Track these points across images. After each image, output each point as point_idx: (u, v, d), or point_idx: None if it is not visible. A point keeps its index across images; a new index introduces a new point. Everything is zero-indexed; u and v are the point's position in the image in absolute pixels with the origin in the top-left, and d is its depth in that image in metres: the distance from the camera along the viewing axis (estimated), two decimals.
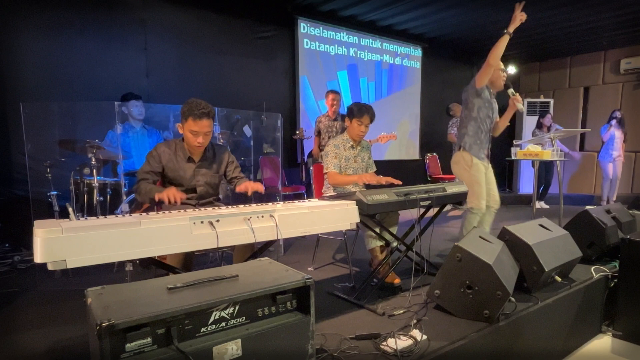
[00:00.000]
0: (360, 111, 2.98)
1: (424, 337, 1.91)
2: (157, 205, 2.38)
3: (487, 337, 1.98)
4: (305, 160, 5.26)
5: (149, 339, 1.18)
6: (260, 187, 2.36)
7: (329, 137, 4.82)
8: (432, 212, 2.86)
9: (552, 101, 8.27)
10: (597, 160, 6.92)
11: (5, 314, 2.48)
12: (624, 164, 6.77)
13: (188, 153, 2.45)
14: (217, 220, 1.75)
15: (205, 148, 2.50)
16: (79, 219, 1.61)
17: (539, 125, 6.62)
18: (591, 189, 8.20)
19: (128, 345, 1.14)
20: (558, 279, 2.55)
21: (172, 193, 2.16)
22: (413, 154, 7.62)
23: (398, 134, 7.24)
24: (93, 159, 3.27)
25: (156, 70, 4.79)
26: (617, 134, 6.52)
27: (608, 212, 3.23)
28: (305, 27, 5.96)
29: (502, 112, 3.35)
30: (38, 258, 1.40)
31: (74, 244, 1.43)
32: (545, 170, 6.64)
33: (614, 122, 6.52)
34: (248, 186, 2.37)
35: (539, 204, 6.82)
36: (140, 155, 3.64)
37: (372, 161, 3.26)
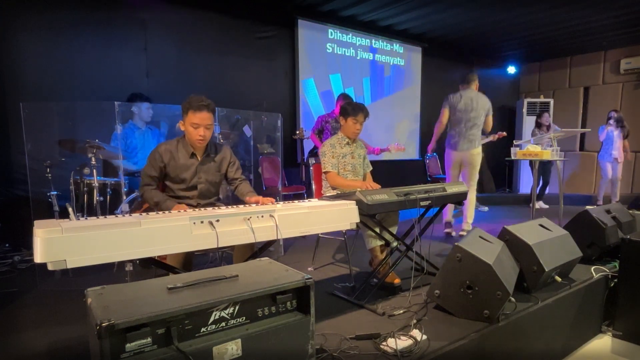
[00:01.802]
0: (355, 110, 3.03)
1: (424, 337, 1.91)
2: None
3: (487, 337, 1.98)
4: (306, 159, 5.24)
5: (149, 339, 1.18)
6: (272, 202, 2.29)
7: None
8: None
9: (552, 101, 8.27)
10: (597, 160, 6.92)
11: (5, 314, 2.48)
12: (625, 164, 6.74)
13: (191, 149, 2.45)
14: (217, 220, 1.75)
15: (207, 146, 2.49)
16: (79, 219, 1.62)
17: (538, 125, 6.62)
18: (591, 189, 8.20)
19: (128, 345, 1.14)
20: (558, 279, 2.55)
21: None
22: (413, 154, 7.62)
23: (398, 134, 7.25)
24: (93, 159, 3.27)
25: (156, 70, 4.79)
26: (615, 133, 6.52)
27: (608, 212, 3.23)
28: (305, 27, 5.96)
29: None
30: (38, 258, 1.40)
31: (74, 244, 1.43)
32: (542, 170, 6.63)
33: (611, 121, 6.52)
34: (259, 200, 2.30)
35: (538, 204, 6.81)
36: (146, 155, 3.67)
37: (367, 161, 3.29)
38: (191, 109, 2.32)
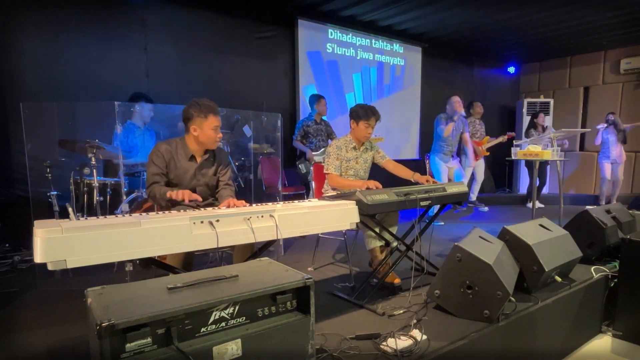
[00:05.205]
0: (367, 113, 2.98)
1: (424, 337, 1.91)
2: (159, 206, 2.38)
3: (487, 337, 1.98)
4: (297, 164, 5.20)
5: (149, 339, 1.18)
6: (243, 205, 2.24)
7: (320, 141, 4.95)
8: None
9: (552, 101, 8.27)
10: (597, 161, 6.93)
11: (5, 314, 2.48)
12: (623, 164, 6.72)
13: (190, 152, 2.45)
14: (217, 220, 1.75)
15: (206, 149, 2.50)
16: (79, 219, 1.61)
17: (534, 125, 6.60)
18: (591, 189, 8.20)
19: (128, 345, 1.14)
20: (558, 279, 2.55)
21: (183, 192, 2.16)
22: (413, 154, 7.62)
23: (398, 134, 7.25)
24: (93, 159, 3.27)
25: (156, 70, 4.79)
26: (611, 137, 6.51)
27: (608, 212, 3.23)
28: (305, 27, 5.96)
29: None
30: (38, 258, 1.40)
31: (74, 244, 1.43)
32: (539, 170, 6.63)
33: (602, 126, 6.55)
34: (230, 203, 2.22)
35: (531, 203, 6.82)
36: (146, 156, 3.68)
37: (382, 153, 3.20)
38: (213, 113, 2.38)
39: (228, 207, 2.21)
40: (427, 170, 7.09)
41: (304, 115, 6.02)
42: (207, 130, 2.39)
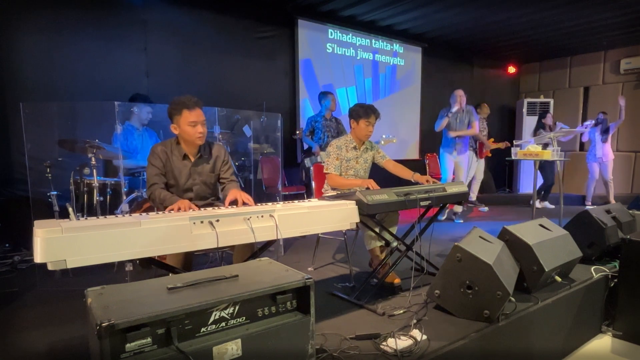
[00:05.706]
0: (367, 112, 2.98)
1: (424, 337, 1.91)
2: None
3: (487, 337, 1.98)
4: (301, 160, 5.25)
5: (149, 339, 1.18)
6: (250, 201, 2.23)
7: (329, 137, 4.94)
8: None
9: (552, 101, 8.27)
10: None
11: (5, 314, 2.48)
12: (623, 164, 6.70)
13: (184, 151, 2.44)
14: (217, 220, 1.75)
15: (201, 146, 2.48)
16: (79, 219, 1.62)
17: (542, 126, 6.61)
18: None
19: (128, 345, 1.14)
20: (558, 279, 2.55)
21: (183, 206, 2.08)
22: (413, 154, 7.62)
23: (398, 134, 7.25)
24: (93, 159, 3.27)
25: (156, 70, 4.79)
26: (597, 136, 6.51)
27: (608, 212, 3.23)
28: (305, 27, 5.96)
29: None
30: (38, 258, 1.40)
31: (74, 244, 1.43)
32: (547, 169, 6.64)
33: (589, 122, 6.53)
34: (238, 196, 2.23)
35: (542, 204, 6.82)
36: (146, 156, 3.68)
37: (383, 153, 3.19)
38: (186, 108, 2.32)
39: (235, 199, 2.22)
40: (427, 170, 7.12)
41: (303, 115, 6.03)
42: (184, 127, 2.35)
